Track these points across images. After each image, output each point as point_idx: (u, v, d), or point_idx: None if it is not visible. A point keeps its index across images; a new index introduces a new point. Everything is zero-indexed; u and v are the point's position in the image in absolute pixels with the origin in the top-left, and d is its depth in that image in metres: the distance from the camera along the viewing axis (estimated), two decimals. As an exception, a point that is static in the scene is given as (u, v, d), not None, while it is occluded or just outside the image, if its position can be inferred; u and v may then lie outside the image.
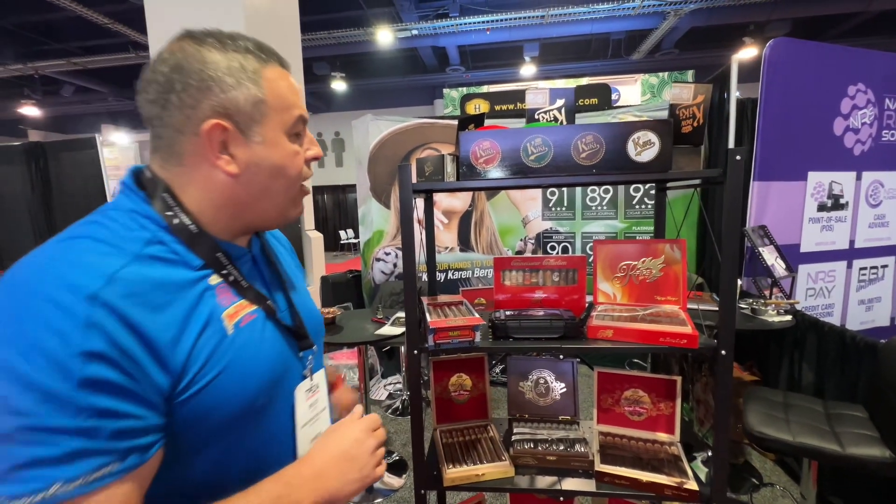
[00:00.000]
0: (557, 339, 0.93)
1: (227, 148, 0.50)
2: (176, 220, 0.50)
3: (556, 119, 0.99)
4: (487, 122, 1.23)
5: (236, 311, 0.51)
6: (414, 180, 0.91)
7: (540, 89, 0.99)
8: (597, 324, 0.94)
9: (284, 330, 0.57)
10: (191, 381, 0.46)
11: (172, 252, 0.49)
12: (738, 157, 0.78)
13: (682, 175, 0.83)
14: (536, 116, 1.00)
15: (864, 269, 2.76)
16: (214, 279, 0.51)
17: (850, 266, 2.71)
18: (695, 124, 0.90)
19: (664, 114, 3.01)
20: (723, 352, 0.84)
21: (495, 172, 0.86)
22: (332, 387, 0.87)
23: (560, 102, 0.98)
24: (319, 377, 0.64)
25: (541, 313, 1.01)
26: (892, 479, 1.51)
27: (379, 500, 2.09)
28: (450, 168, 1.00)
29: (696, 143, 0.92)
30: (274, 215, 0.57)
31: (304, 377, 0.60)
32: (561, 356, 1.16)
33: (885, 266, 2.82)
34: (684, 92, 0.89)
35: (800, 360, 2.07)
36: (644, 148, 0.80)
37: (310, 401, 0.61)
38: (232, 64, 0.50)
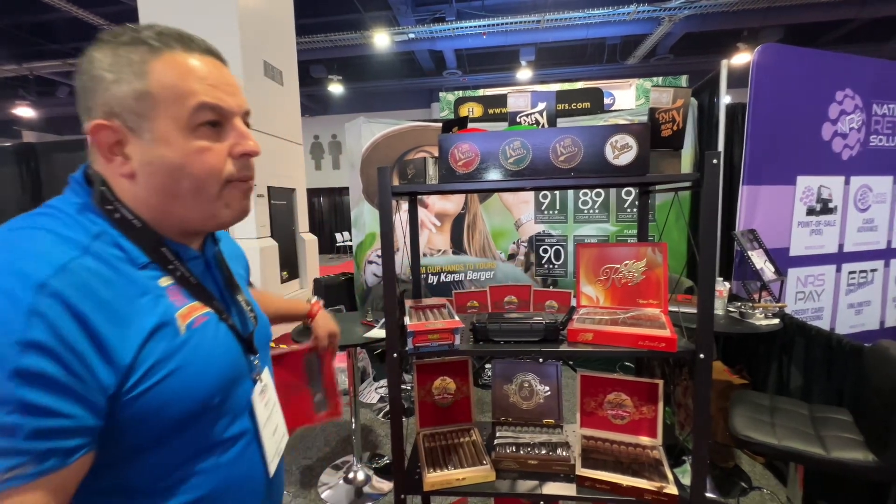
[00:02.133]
0: (537, 342, 0.93)
1: (124, 148, 0.49)
2: (118, 215, 0.49)
3: (537, 122, 0.99)
4: (480, 125, 1.23)
5: (189, 312, 0.51)
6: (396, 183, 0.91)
7: (522, 92, 0.99)
8: (577, 327, 0.94)
9: (235, 333, 0.57)
10: (140, 379, 0.45)
11: (118, 247, 0.48)
12: (714, 161, 0.78)
13: (659, 178, 0.84)
14: (518, 120, 1.00)
15: (854, 273, 2.77)
16: (165, 280, 0.51)
17: (839, 270, 2.73)
18: (674, 128, 0.91)
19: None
20: (701, 355, 0.84)
21: (475, 175, 0.86)
22: (310, 314, 0.97)
23: (542, 106, 0.98)
24: (267, 376, 0.66)
25: (522, 316, 1.00)
26: (876, 482, 1.52)
27: (368, 504, 2.07)
28: (431, 171, 1.00)
29: (675, 146, 0.93)
30: (198, 218, 0.53)
31: (255, 381, 0.61)
32: (540, 359, 1.16)
33: (874, 270, 2.84)
34: (664, 96, 0.90)
35: (787, 363, 2.08)
36: (622, 151, 0.81)
37: (264, 401, 0.63)
38: (116, 59, 0.47)
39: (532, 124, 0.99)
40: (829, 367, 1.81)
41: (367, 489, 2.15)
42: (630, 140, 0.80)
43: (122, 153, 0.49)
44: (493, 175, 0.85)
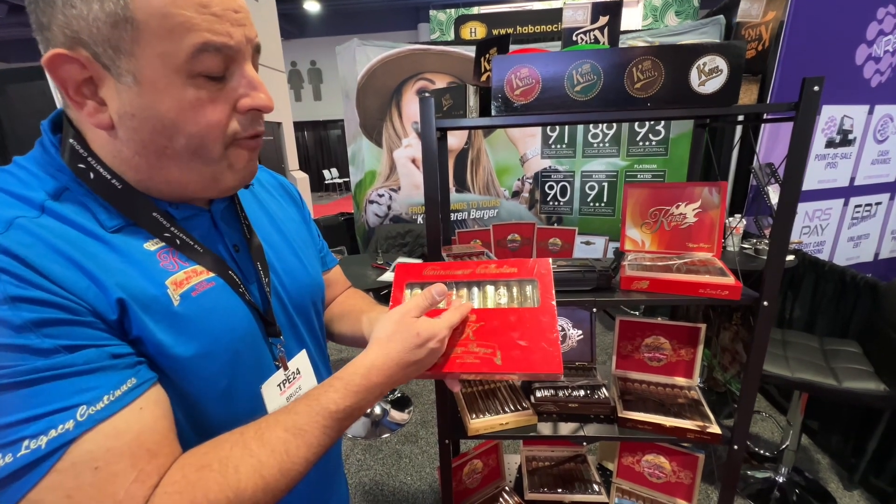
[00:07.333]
0: (590, 291, 0.88)
1: (97, 89, 0.38)
2: (91, 176, 0.40)
3: (597, 41, 0.85)
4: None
5: (186, 278, 0.42)
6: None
7: (579, 4, 0.84)
8: (631, 274, 0.89)
9: (252, 307, 0.48)
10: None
11: (84, 207, 0.40)
12: (815, 88, 0.68)
13: (750, 109, 0.73)
14: (575, 38, 0.85)
15: (860, 206, 2.77)
16: (152, 244, 0.42)
17: (846, 203, 2.72)
18: (759, 48, 0.79)
19: (678, 40, 2.78)
20: (765, 303, 0.80)
21: (534, 106, 0.74)
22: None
23: (604, 20, 0.84)
24: (300, 361, 0.55)
25: (568, 263, 0.94)
26: (881, 409, 1.62)
27: (386, 434, 2.18)
28: (473, 101, 0.87)
29: (755, 70, 0.81)
30: (197, 182, 0.43)
31: (277, 367, 0.51)
32: (594, 309, 1.12)
33: (878, 203, 2.84)
34: (754, 7, 0.76)
35: (794, 297, 2.13)
36: (710, 77, 0.69)
37: (286, 393, 0.52)
38: None
39: (591, 43, 0.85)
40: (839, 302, 1.86)
41: (384, 421, 2.25)
42: (721, 63, 0.68)
43: (96, 97, 0.38)
44: (556, 106, 0.73)
